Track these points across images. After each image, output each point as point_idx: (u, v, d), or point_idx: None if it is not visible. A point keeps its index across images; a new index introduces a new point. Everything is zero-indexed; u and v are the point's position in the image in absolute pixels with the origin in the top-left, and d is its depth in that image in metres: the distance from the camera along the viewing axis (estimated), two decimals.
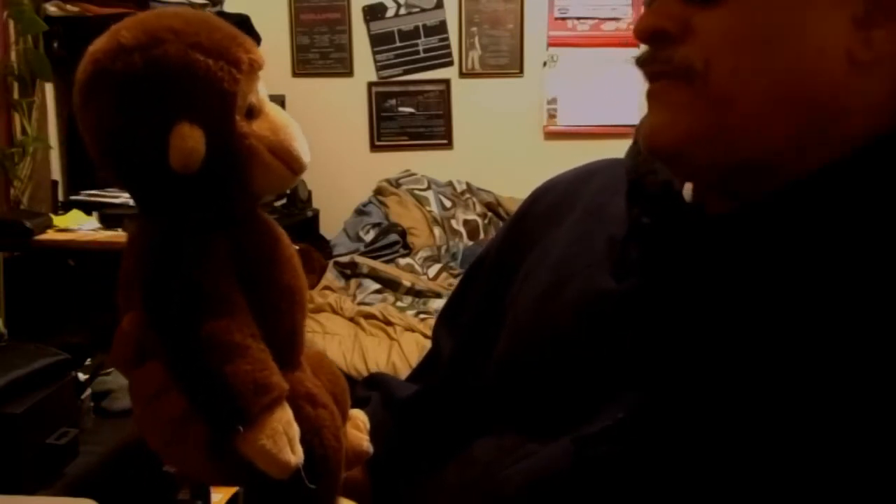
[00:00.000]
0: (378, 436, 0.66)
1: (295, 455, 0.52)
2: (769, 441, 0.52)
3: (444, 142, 4.28)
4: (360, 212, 3.92)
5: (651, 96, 0.60)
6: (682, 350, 0.58)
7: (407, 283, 3.37)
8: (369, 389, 0.85)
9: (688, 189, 0.64)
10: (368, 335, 2.93)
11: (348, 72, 4.22)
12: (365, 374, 2.74)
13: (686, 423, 0.55)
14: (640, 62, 0.60)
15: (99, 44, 0.53)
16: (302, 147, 0.56)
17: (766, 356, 0.54)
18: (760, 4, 0.55)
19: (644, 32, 0.59)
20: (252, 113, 0.55)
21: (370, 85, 4.23)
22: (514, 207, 0.84)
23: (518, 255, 0.76)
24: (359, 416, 0.65)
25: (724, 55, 0.55)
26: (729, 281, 0.57)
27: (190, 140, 0.51)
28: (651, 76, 0.60)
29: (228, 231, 0.55)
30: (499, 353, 0.72)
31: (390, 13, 4.19)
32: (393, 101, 4.25)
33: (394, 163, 4.18)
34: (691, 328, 0.58)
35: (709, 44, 0.56)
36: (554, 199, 0.78)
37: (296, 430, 0.53)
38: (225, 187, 0.54)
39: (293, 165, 0.56)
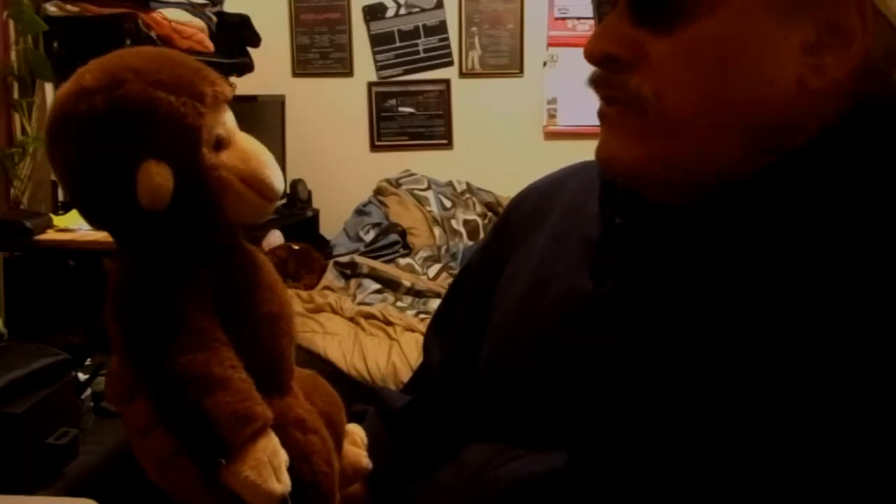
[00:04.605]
0: (375, 449, 0.66)
1: (281, 483, 0.51)
2: (761, 438, 0.52)
3: (444, 142, 4.28)
4: (360, 212, 3.92)
5: (603, 119, 0.60)
6: (665, 350, 0.58)
7: (407, 283, 3.37)
8: (366, 403, 0.86)
9: None
10: (368, 335, 2.93)
11: (348, 72, 4.22)
12: (365, 374, 2.74)
13: (677, 422, 0.55)
14: (593, 83, 0.60)
15: (64, 88, 0.54)
16: (275, 174, 0.57)
17: (748, 348, 0.54)
18: (711, 36, 0.54)
19: (594, 57, 0.58)
20: (221, 144, 0.55)
21: (370, 85, 4.23)
22: None
23: (501, 260, 0.77)
24: (356, 432, 0.66)
25: (674, 87, 0.55)
26: (700, 274, 0.58)
27: (157, 177, 0.52)
28: (604, 98, 0.60)
29: (206, 262, 0.55)
30: (483, 359, 0.72)
31: (390, 13, 4.19)
32: (393, 101, 4.25)
33: (394, 163, 4.18)
34: (672, 327, 0.58)
35: (659, 75, 0.56)
36: (533, 203, 0.79)
37: (281, 459, 0.53)
38: (198, 220, 0.55)
39: (266, 193, 0.56)
